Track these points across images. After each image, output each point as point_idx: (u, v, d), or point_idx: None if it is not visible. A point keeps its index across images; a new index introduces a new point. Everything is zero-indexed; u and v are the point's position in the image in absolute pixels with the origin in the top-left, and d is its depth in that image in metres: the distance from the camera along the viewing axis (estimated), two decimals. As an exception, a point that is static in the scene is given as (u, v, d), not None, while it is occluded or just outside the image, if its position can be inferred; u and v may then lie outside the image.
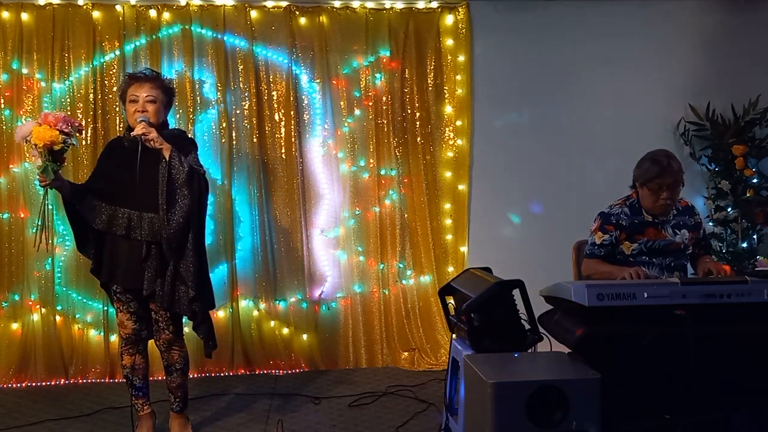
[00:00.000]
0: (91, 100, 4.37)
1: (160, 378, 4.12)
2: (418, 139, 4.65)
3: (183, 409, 3.43)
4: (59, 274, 4.39)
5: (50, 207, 3.10)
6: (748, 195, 4.66)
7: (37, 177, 3.07)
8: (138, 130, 3.06)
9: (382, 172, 4.64)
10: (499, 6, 4.68)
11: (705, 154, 4.80)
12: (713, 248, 4.62)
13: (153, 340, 3.36)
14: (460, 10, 4.64)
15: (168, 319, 3.25)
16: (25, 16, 4.36)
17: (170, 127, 3.41)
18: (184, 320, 3.37)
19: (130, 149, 3.14)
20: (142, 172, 3.04)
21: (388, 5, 4.60)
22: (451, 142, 4.69)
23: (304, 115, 4.59)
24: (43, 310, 4.37)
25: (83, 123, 2.97)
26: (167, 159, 3.08)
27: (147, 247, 3.15)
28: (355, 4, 4.58)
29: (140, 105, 3.17)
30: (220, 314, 4.45)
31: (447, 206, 4.72)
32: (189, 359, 3.40)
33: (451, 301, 3.26)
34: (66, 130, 2.98)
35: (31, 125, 2.96)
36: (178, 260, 3.13)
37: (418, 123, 4.64)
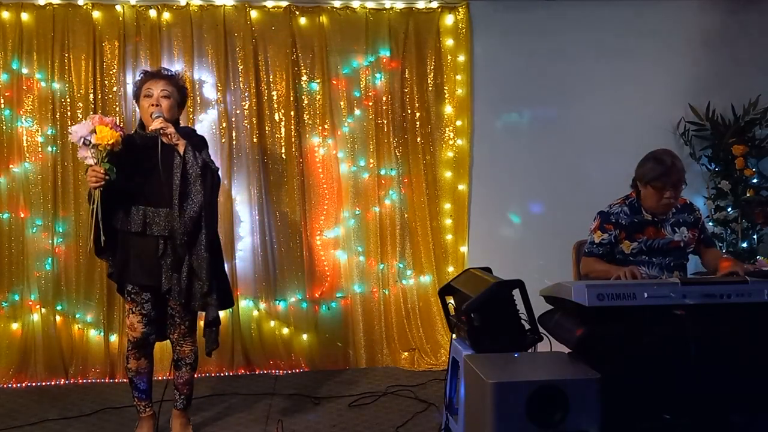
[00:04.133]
0: (91, 100, 4.37)
1: (160, 378, 4.13)
2: (418, 139, 4.65)
3: (187, 407, 3.43)
4: (59, 274, 4.39)
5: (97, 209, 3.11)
6: (748, 195, 4.65)
7: (90, 178, 3.01)
8: (155, 124, 3.09)
9: (382, 172, 4.64)
10: (499, 6, 4.68)
11: (705, 154, 4.80)
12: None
13: (167, 336, 3.37)
14: (460, 10, 4.64)
15: (184, 314, 3.28)
16: (25, 16, 4.36)
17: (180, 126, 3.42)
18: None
19: (143, 146, 3.17)
20: (158, 167, 3.09)
21: (388, 5, 4.60)
22: (451, 142, 4.69)
23: (304, 115, 4.59)
24: (43, 310, 4.37)
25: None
26: (182, 154, 3.10)
27: (163, 243, 3.16)
28: (355, 4, 4.58)
29: (155, 99, 3.19)
30: (220, 314, 4.43)
31: (447, 206, 4.72)
32: (198, 357, 3.41)
33: (451, 301, 3.26)
34: (120, 132, 3.02)
35: (88, 126, 2.97)
36: (191, 255, 3.14)
37: (418, 123, 4.64)
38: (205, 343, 3.33)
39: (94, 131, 2.96)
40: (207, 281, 3.17)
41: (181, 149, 3.11)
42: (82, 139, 2.96)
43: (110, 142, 2.96)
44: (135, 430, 3.36)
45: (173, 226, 3.12)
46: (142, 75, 3.34)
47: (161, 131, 3.08)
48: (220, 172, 4.38)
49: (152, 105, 3.18)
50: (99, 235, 3.03)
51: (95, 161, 2.98)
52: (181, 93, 3.31)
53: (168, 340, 3.41)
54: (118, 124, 3.06)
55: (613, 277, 3.02)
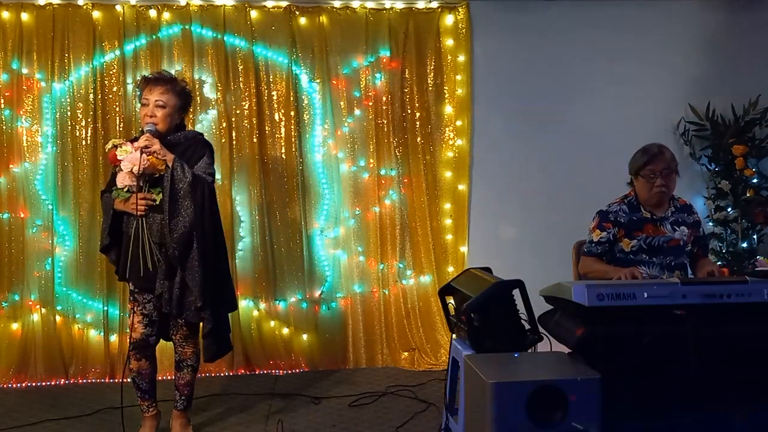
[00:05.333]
0: (91, 100, 4.38)
1: (161, 378, 4.13)
2: (418, 139, 4.65)
3: (187, 409, 3.43)
4: (59, 274, 4.39)
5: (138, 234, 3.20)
6: (748, 195, 4.66)
7: (140, 206, 3.11)
8: (141, 142, 3.10)
9: (382, 172, 4.64)
10: (499, 6, 4.68)
11: (705, 154, 4.80)
12: (713, 248, 4.62)
13: (168, 337, 3.37)
14: (460, 10, 4.64)
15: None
16: (25, 16, 4.36)
17: (185, 130, 3.41)
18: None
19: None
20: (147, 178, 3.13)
21: (388, 5, 4.61)
22: (451, 142, 4.69)
23: (304, 115, 4.59)
24: (43, 310, 4.37)
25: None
26: (170, 169, 3.11)
27: (157, 249, 3.17)
28: (355, 4, 4.58)
29: (149, 110, 3.20)
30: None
31: (447, 206, 4.72)
32: (200, 359, 3.41)
33: (451, 301, 3.26)
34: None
35: (138, 154, 3.04)
36: (184, 270, 3.15)
37: (418, 123, 4.64)
38: (203, 350, 3.33)
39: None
40: (200, 296, 3.16)
41: (170, 163, 3.12)
42: (141, 170, 3.04)
43: (162, 171, 3.09)
44: (138, 429, 3.36)
45: (165, 235, 3.13)
46: (141, 79, 3.34)
47: (145, 149, 3.08)
48: (220, 173, 4.44)
49: (146, 116, 3.20)
50: (155, 260, 3.14)
51: (143, 188, 3.10)
52: (181, 97, 3.29)
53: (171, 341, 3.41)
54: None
55: (614, 279, 3.02)
